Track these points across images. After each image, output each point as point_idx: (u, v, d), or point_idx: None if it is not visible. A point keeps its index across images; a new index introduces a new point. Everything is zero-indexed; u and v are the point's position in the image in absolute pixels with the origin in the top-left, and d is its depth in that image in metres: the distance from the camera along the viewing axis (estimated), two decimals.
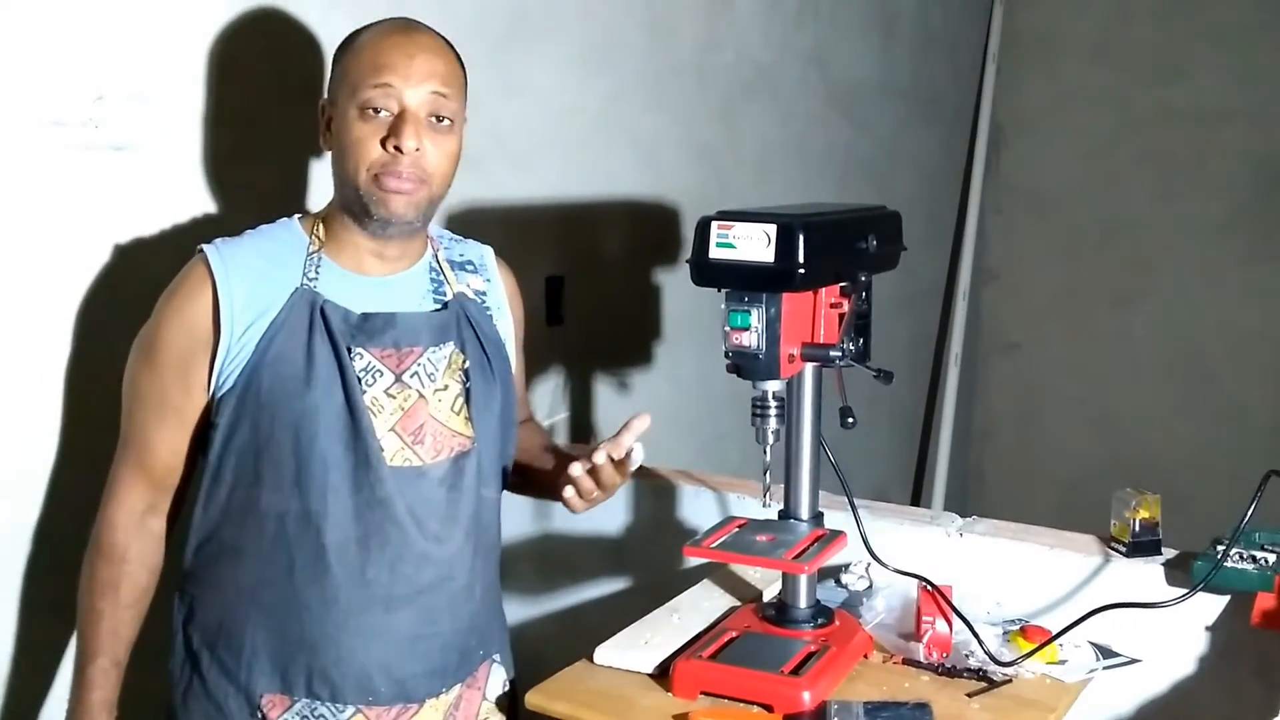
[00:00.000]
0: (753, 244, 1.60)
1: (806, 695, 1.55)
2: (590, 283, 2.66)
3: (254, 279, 1.52)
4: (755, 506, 1.95)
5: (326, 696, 1.54)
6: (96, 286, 1.75)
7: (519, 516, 2.13)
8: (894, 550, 1.87)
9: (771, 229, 1.59)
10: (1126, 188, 4.39)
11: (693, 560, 2.05)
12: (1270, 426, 4.12)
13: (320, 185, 1.93)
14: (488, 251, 1.76)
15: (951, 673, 1.66)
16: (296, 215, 1.63)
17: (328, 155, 1.59)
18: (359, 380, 1.52)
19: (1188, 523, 1.90)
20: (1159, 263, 4.36)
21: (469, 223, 2.23)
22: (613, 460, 1.52)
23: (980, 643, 1.68)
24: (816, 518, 1.79)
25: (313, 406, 1.50)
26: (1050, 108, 4.53)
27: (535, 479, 1.74)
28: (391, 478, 1.53)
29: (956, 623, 1.71)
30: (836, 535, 1.75)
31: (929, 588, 1.73)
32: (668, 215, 2.83)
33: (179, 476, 1.57)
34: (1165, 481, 2.17)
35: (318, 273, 1.55)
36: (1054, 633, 1.68)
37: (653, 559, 2.22)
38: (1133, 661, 1.72)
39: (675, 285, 2.81)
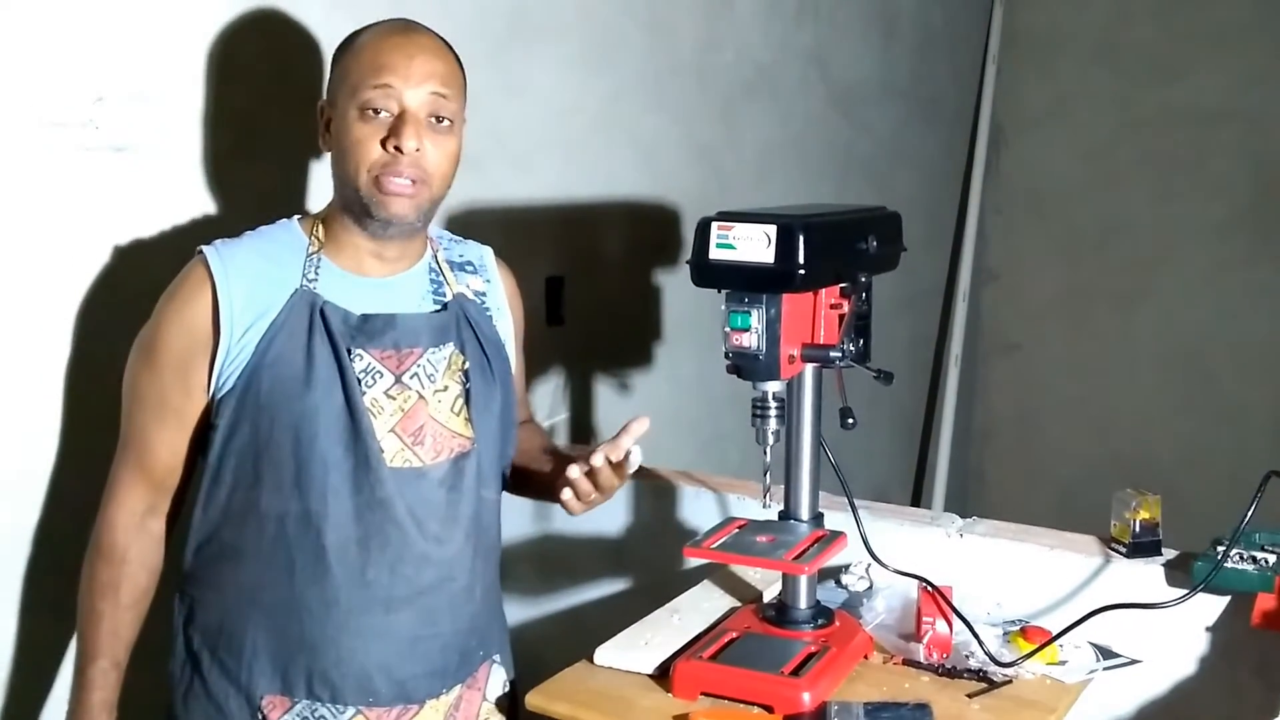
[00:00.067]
0: (753, 245, 1.60)
1: (807, 696, 1.55)
2: (590, 283, 2.66)
3: (253, 280, 1.51)
4: (755, 507, 1.95)
5: (327, 697, 1.54)
6: (97, 287, 1.75)
7: (519, 517, 2.13)
8: (894, 551, 1.87)
9: (771, 230, 1.59)
10: (1127, 188, 4.39)
11: (693, 561, 2.05)
12: (1270, 427, 4.12)
13: (320, 186, 1.93)
14: (487, 252, 1.76)
15: (952, 673, 1.66)
16: (296, 216, 1.63)
17: (327, 156, 1.59)
18: (359, 381, 1.52)
19: (1188, 523, 1.90)
20: (1159, 263, 4.36)
21: (469, 223, 2.23)
22: (610, 463, 1.52)
23: (980, 643, 1.68)
24: (817, 518, 1.79)
25: (312, 408, 1.49)
26: (1050, 108, 4.52)
27: (534, 480, 1.74)
28: (391, 479, 1.53)
29: (957, 623, 1.71)
30: (836, 536, 1.75)
31: (929, 588, 1.73)
32: (668, 216, 2.83)
33: (179, 478, 1.57)
34: (1165, 482, 2.17)
35: (317, 274, 1.55)
36: (1054, 633, 1.68)
37: (653, 560, 2.22)
38: (1133, 662, 1.72)
39: (675, 286, 2.81)
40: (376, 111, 1.50)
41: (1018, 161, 4.61)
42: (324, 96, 1.60)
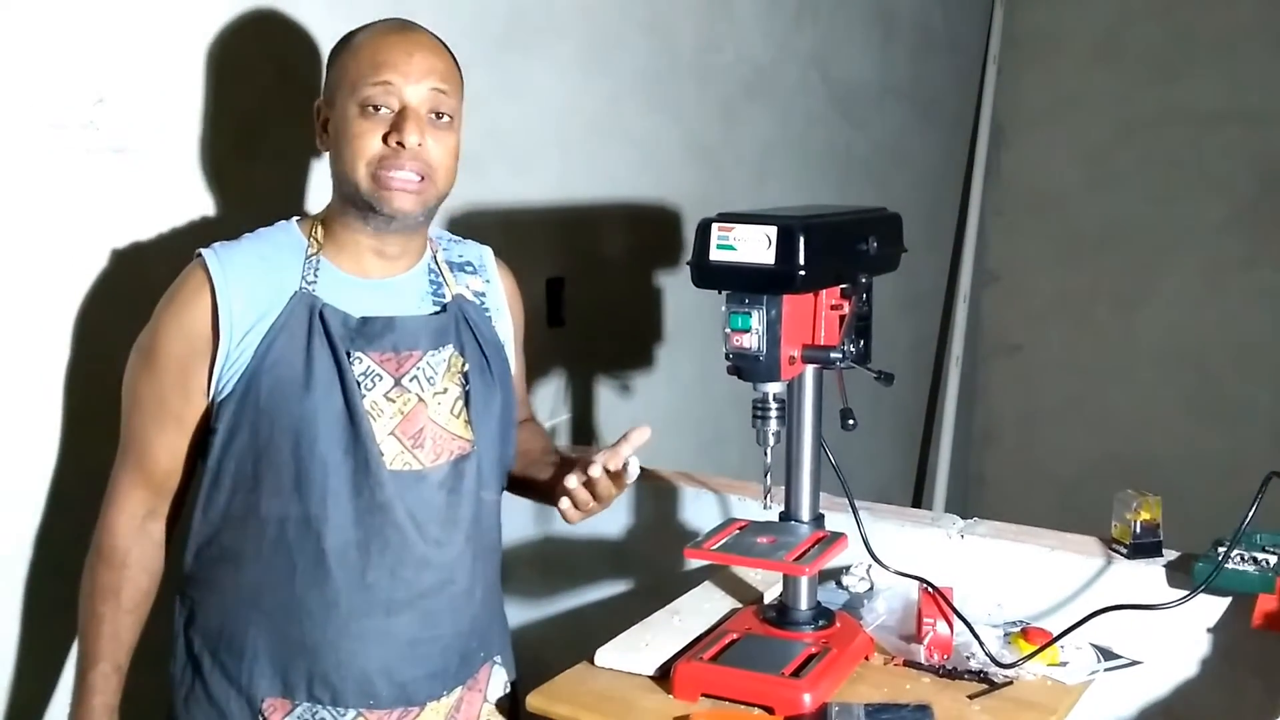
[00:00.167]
0: (753, 246, 1.60)
1: (807, 697, 1.55)
2: (591, 284, 2.66)
3: (252, 283, 1.51)
4: (756, 508, 1.95)
5: (327, 700, 1.54)
6: (97, 289, 1.75)
7: (520, 519, 2.13)
8: (895, 552, 1.87)
9: (772, 231, 1.59)
10: (1127, 189, 4.39)
11: (693, 562, 2.05)
12: (1271, 427, 4.12)
13: (320, 187, 1.93)
14: (487, 252, 1.76)
15: (952, 674, 1.66)
16: (295, 218, 1.63)
17: (326, 156, 1.59)
18: (358, 384, 1.51)
19: (1189, 524, 1.90)
20: (1160, 264, 4.36)
21: (469, 225, 2.23)
22: (609, 472, 1.51)
23: (981, 644, 1.68)
24: (817, 520, 1.79)
25: (312, 411, 1.49)
26: (1051, 109, 4.53)
27: (533, 486, 1.74)
28: (391, 482, 1.52)
29: (957, 624, 1.71)
30: (837, 537, 1.75)
31: (930, 589, 1.73)
32: (668, 217, 2.83)
33: (179, 481, 1.57)
34: (1166, 483, 2.17)
35: (316, 276, 1.55)
36: (1055, 634, 1.68)
37: (654, 561, 2.22)
38: (1134, 663, 1.72)
39: (676, 287, 2.81)
40: (377, 108, 1.50)
41: (1018, 162, 4.61)
42: (320, 97, 1.60)
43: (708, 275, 1.65)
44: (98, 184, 1.74)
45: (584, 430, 2.64)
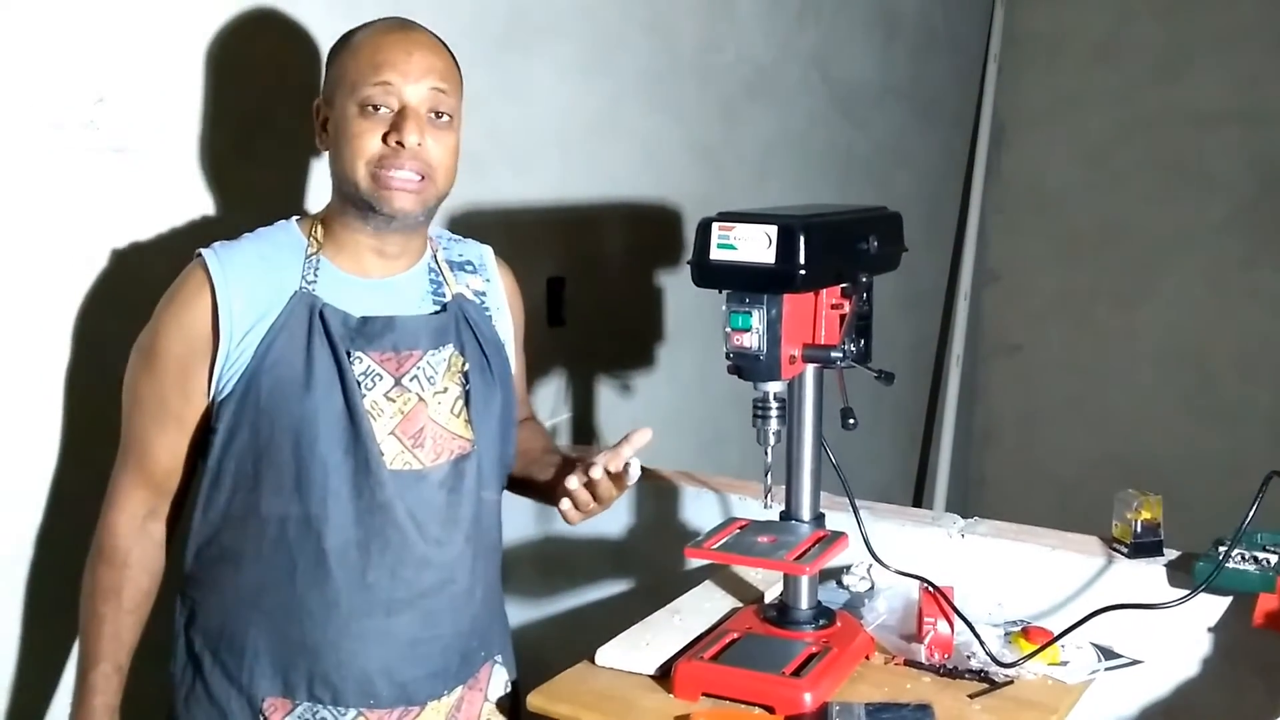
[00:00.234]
0: (754, 245, 1.60)
1: (808, 696, 1.55)
2: (591, 284, 2.66)
3: (252, 283, 1.51)
4: (757, 508, 1.95)
5: (328, 700, 1.54)
6: (98, 289, 1.75)
7: (521, 518, 2.13)
8: (895, 551, 1.87)
9: (772, 230, 1.59)
10: (1127, 188, 4.39)
11: (694, 561, 2.05)
12: (1271, 427, 4.12)
13: (320, 187, 1.93)
14: (487, 251, 1.76)
15: (953, 674, 1.66)
16: (294, 217, 1.63)
17: (325, 156, 1.59)
18: (358, 384, 1.51)
19: (1189, 523, 1.90)
20: (1160, 264, 4.36)
21: (470, 224, 2.23)
22: (609, 474, 1.51)
23: (982, 644, 1.67)
24: (818, 519, 1.79)
25: (312, 411, 1.49)
26: (1051, 108, 4.53)
27: (533, 485, 1.74)
28: (392, 481, 1.52)
29: (958, 624, 1.71)
30: (838, 536, 1.75)
31: (930, 589, 1.73)
32: (669, 216, 2.83)
33: (179, 481, 1.57)
34: (1167, 482, 2.17)
35: (316, 275, 1.55)
36: (1056, 634, 1.68)
37: (654, 560, 2.22)
38: (1134, 663, 1.72)
39: (676, 286, 2.81)
40: (376, 108, 1.50)
41: (1019, 162, 4.61)
42: (319, 96, 1.60)
43: (708, 274, 1.65)
44: (98, 183, 1.74)
45: (584, 430, 2.64)
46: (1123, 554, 1.80)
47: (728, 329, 1.64)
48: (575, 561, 2.31)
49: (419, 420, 1.56)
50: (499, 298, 1.72)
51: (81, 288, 1.74)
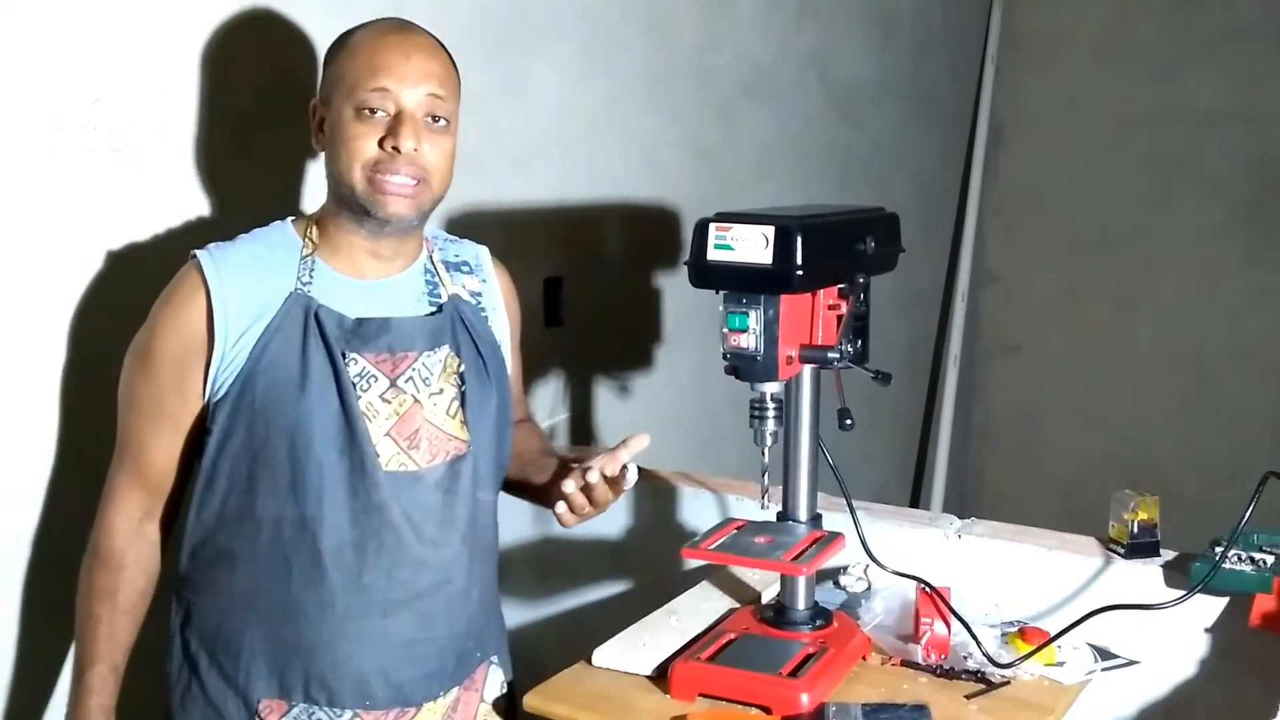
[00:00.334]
0: (751, 245, 1.60)
1: (805, 697, 1.55)
2: (589, 284, 2.66)
3: (247, 284, 1.51)
4: (754, 508, 1.95)
5: (324, 701, 1.54)
6: (94, 289, 1.75)
7: (519, 519, 2.12)
8: (892, 552, 1.87)
9: (770, 230, 1.59)
10: (1126, 189, 4.39)
11: (691, 562, 2.05)
12: (1269, 428, 4.12)
13: (317, 187, 1.93)
14: (483, 251, 1.76)
15: (950, 674, 1.66)
16: (290, 218, 1.63)
17: (322, 156, 1.58)
18: (354, 386, 1.51)
19: (1186, 524, 1.90)
20: (1159, 264, 4.36)
21: (468, 224, 2.24)
22: (606, 477, 1.51)
23: (979, 644, 1.67)
24: (815, 519, 1.79)
25: (307, 412, 1.49)
26: (1049, 108, 4.52)
27: (529, 488, 1.73)
28: (387, 483, 1.52)
29: (955, 624, 1.71)
30: (835, 537, 1.75)
31: (927, 589, 1.73)
32: (666, 216, 2.83)
33: (175, 482, 1.57)
34: (1164, 483, 2.17)
35: (312, 276, 1.55)
36: (1052, 634, 1.68)
37: (651, 561, 2.22)
38: (1131, 663, 1.72)
39: (674, 286, 2.81)
40: (373, 111, 1.50)
41: (1017, 162, 4.61)
42: (316, 96, 1.59)
43: (705, 275, 1.65)
44: (95, 184, 1.74)
45: (582, 430, 2.64)
46: (1120, 554, 1.80)
47: (725, 329, 1.64)
48: (573, 562, 2.31)
49: (414, 421, 1.55)
50: (495, 298, 1.72)
51: (78, 288, 1.74)
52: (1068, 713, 1.61)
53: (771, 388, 1.68)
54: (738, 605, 1.88)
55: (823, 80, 3.52)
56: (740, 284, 1.62)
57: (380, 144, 1.49)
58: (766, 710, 1.55)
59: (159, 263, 1.63)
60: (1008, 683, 1.63)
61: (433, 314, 1.61)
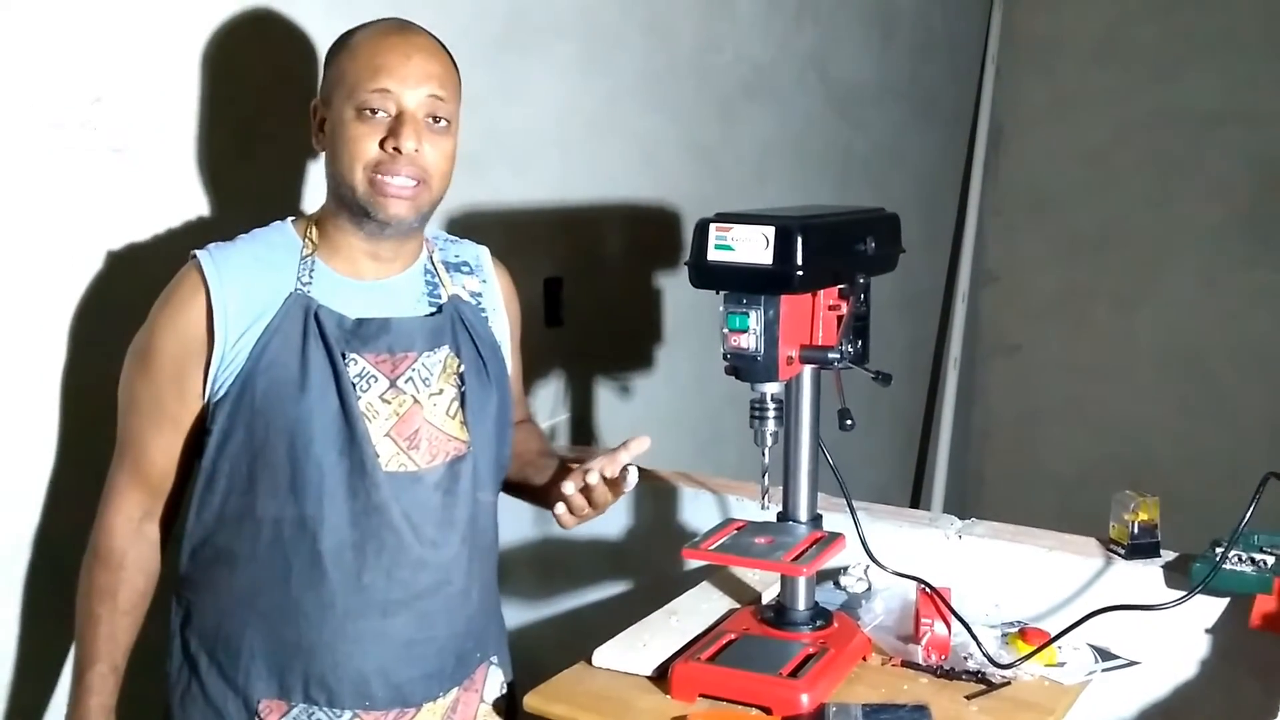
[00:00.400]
0: (751, 246, 1.60)
1: (805, 697, 1.55)
2: (589, 284, 2.66)
3: (247, 284, 1.51)
4: (754, 508, 1.95)
5: (324, 701, 1.54)
6: (95, 289, 1.75)
7: (519, 519, 2.12)
8: (893, 552, 1.87)
9: (770, 231, 1.59)
10: (1126, 189, 4.39)
11: (692, 562, 2.05)
12: (1269, 428, 4.12)
13: (318, 187, 1.93)
14: (483, 252, 1.76)
15: (950, 675, 1.66)
16: (290, 218, 1.62)
17: (323, 156, 1.58)
18: (353, 386, 1.51)
19: (1187, 525, 1.90)
20: (1159, 264, 4.36)
21: (468, 224, 2.24)
22: (605, 479, 1.51)
23: (979, 645, 1.67)
24: (815, 520, 1.79)
25: (307, 412, 1.49)
26: (1049, 109, 4.53)
27: (529, 489, 1.74)
28: (387, 483, 1.52)
29: (955, 625, 1.70)
30: (835, 537, 1.75)
31: (927, 590, 1.73)
32: (667, 217, 2.83)
33: (175, 482, 1.57)
34: (1164, 483, 2.17)
35: (311, 277, 1.55)
36: (1053, 635, 1.68)
37: (652, 561, 2.22)
38: (1131, 664, 1.72)
39: (675, 287, 2.81)
40: (374, 112, 1.50)
41: (1017, 162, 4.61)
42: (317, 96, 1.59)
43: (705, 275, 1.65)
44: (95, 184, 1.74)
45: (583, 430, 2.64)
46: (1120, 555, 1.80)
47: (725, 330, 1.63)
48: (573, 562, 2.31)
49: (414, 422, 1.55)
50: (495, 299, 1.72)
51: (79, 288, 1.74)
52: (1068, 713, 1.61)
53: (772, 388, 1.68)
54: (738, 606, 1.88)
55: (823, 80, 3.52)
56: (740, 284, 1.62)
57: (381, 145, 1.49)
58: (767, 711, 1.55)
59: (159, 263, 1.63)
60: (1008, 683, 1.63)
61: (433, 314, 1.61)
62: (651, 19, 2.81)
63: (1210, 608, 1.70)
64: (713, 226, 1.63)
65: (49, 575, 1.72)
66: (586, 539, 2.24)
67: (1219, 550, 1.66)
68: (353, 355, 1.52)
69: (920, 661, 1.70)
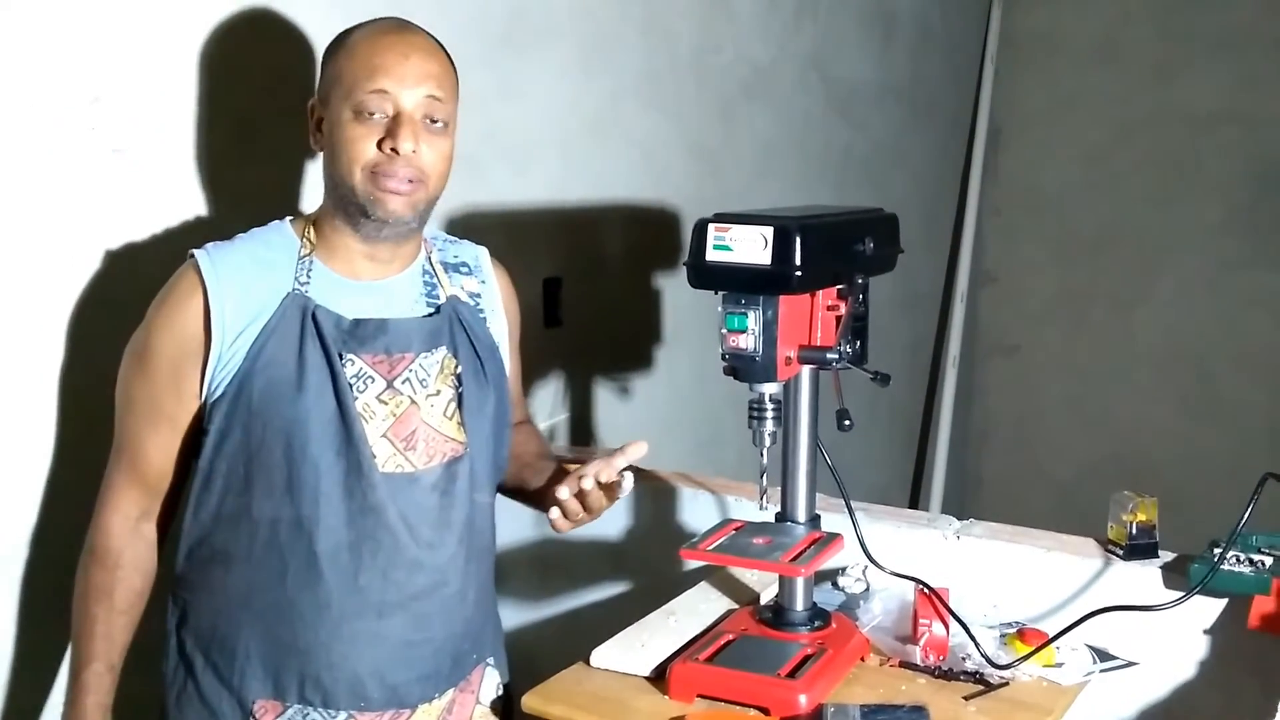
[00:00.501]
0: (750, 246, 1.60)
1: (803, 698, 1.55)
2: (588, 284, 2.66)
3: (245, 284, 1.51)
4: (753, 509, 1.95)
5: (319, 702, 1.53)
6: (94, 289, 1.75)
7: (519, 520, 2.12)
8: (891, 553, 1.87)
9: (769, 231, 1.59)
10: (1125, 190, 4.39)
11: (690, 563, 2.05)
12: (1268, 429, 4.13)
13: (316, 186, 1.93)
14: (483, 252, 1.75)
15: (948, 676, 1.66)
16: (288, 218, 1.62)
17: (320, 156, 1.58)
18: (350, 386, 1.51)
19: (1185, 525, 1.91)
20: (1157, 265, 4.36)
21: (467, 225, 2.23)
22: (601, 484, 1.51)
23: (977, 645, 1.67)
24: (813, 520, 1.79)
25: (304, 413, 1.49)
26: (1048, 109, 4.53)
27: (524, 493, 1.74)
28: (383, 484, 1.52)
29: (953, 625, 1.70)
30: (833, 538, 1.75)
31: (926, 590, 1.73)
32: (666, 217, 2.83)
33: (171, 482, 1.57)
34: (1163, 484, 2.18)
35: (309, 277, 1.54)
36: (1051, 635, 1.68)
37: (650, 561, 2.22)
38: (1130, 664, 1.72)
39: (674, 287, 2.81)
40: (371, 113, 1.49)
41: (1016, 163, 4.62)
42: (314, 95, 1.59)
43: (704, 276, 1.65)
44: (95, 184, 1.74)
45: (582, 431, 2.64)
46: (1118, 556, 1.80)
47: (723, 330, 1.63)
48: (572, 563, 2.31)
49: (411, 423, 1.55)
50: (494, 299, 1.71)
51: (77, 288, 1.74)
52: (1066, 714, 1.61)
53: (770, 388, 1.68)
54: (736, 606, 1.88)
55: (823, 80, 3.52)
56: (739, 284, 1.62)
57: (379, 146, 1.49)
58: (765, 711, 1.55)
59: (158, 262, 1.63)
60: (1006, 684, 1.63)
61: (430, 315, 1.61)
62: (651, 19, 2.81)
63: (1208, 608, 1.70)
64: (711, 227, 1.63)
65: (47, 574, 1.72)
66: (585, 539, 2.23)
67: (1217, 551, 1.66)
68: (350, 356, 1.52)
69: (918, 662, 1.70)
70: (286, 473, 1.49)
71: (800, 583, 1.74)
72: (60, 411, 1.73)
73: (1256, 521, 1.67)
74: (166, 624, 1.60)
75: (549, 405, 2.57)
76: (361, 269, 1.58)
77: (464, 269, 1.70)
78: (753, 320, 1.61)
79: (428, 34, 1.57)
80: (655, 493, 2.22)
